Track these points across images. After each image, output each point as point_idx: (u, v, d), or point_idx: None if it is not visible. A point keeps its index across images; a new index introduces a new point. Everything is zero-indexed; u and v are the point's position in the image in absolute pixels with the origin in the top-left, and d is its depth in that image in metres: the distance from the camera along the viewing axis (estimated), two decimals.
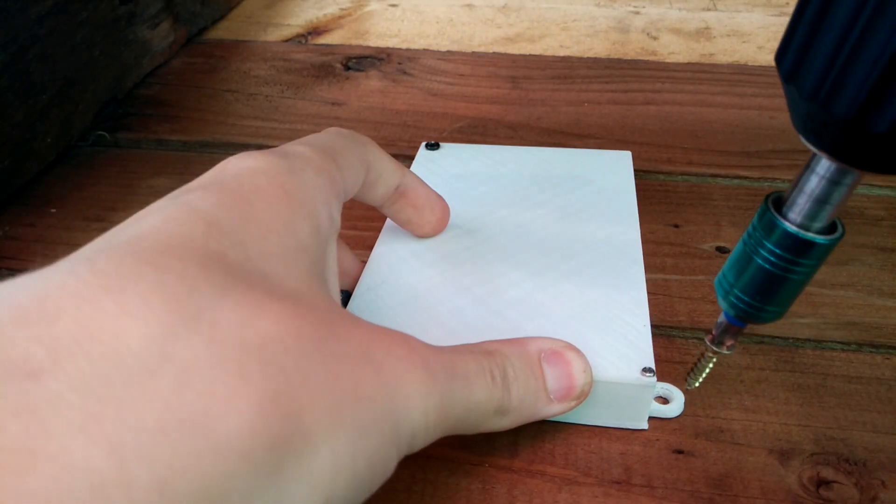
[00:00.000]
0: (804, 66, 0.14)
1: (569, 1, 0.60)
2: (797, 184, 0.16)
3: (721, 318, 0.20)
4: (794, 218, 0.17)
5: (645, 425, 0.23)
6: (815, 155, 0.16)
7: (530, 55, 0.51)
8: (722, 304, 0.19)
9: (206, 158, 0.40)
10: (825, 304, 0.29)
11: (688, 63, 0.49)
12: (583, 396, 0.21)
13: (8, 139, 0.36)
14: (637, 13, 0.57)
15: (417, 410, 0.16)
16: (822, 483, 0.22)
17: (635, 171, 0.33)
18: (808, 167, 0.16)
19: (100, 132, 0.43)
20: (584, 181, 0.31)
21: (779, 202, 0.17)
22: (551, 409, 0.21)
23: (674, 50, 0.51)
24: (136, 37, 0.47)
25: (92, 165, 0.40)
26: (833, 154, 0.15)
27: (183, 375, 0.12)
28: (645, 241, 0.28)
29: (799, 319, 0.28)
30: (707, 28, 0.54)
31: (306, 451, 0.13)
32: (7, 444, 0.10)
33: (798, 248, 0.17)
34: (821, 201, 0.16)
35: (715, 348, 0.21)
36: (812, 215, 0.16)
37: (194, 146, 0.41)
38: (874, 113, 0.13)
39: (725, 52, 0.50)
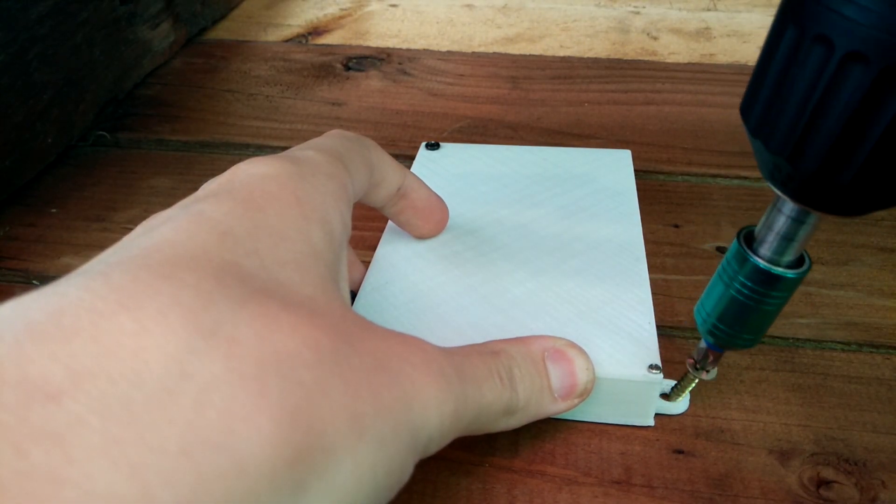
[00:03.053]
0: (770, 123, 0.15)
1: (569, 1, 0.60)
2: (765, 222, 0.17)
3: (701, 344, 0.21)
4: (763, 253, 0.18)
5: (651, 422, 0.23)
6: (780, 196, 0.16)
7: (530, 55, 0.51)
8: (701, 331, 0.20)
9: (207, 159, 0.40)
10: (825, 304, 0.29)
11: (688, 63, 0.49)
12: (585, 394, 0.21)
13: (8, 139, 0.36)
14: (637, 13, 0.57)
15: (434, 417, 0.16)
16: (822, 483, 0.22)
17: (635, 171, 0.33)
18: (774, 207, 0.17)
19: (100, 132, 0.43)
20: (584, 180, 0.32)
21: (750, 237, 0.18)
22: (556, 407, 0.21)
23: (674, 50, 0.51)
24: (137, 37, 0.47)
25: (92, 165, 0.40)
26: (797, 200, 0.16)
27: (203, 394, 0.12)
28: (645, 242, 0.28)
29: (799, 319, 0.28)
30: (707, 28, 0.54)
31: (329, 465, 0.13)
32: (30, 470, 0.10)
33: (768, 282, 0.18)
34: (787, 238, 0.17)
35: (695, 374, 0.22)
36: (780, 251, 0.17)
37: (195, 146, 0.41)
38: (838, 167, 0.14)
39: (725, 52, 0.50)
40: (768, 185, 0.16)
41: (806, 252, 0.18)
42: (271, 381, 0.13)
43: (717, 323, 0.20)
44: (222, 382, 0.12)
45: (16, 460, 0.10)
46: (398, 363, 0.16)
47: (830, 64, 0.13)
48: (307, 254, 0.17)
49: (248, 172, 0.18)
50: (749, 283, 0.18)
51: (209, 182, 0.18)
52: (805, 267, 0.18)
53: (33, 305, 0.12)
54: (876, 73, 0.12)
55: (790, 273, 0.17)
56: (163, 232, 0.15)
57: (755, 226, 0.18)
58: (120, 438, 0.11)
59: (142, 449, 0.11)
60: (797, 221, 0.17)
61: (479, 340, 0.21)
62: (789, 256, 0.17)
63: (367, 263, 0.27)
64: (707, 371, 0.22)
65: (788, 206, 0.17)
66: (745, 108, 0.16)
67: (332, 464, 0.13)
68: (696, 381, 0.23)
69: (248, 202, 0.17)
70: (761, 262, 0.18)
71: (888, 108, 0.13)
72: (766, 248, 0.18)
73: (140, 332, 0.12)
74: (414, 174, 0.26)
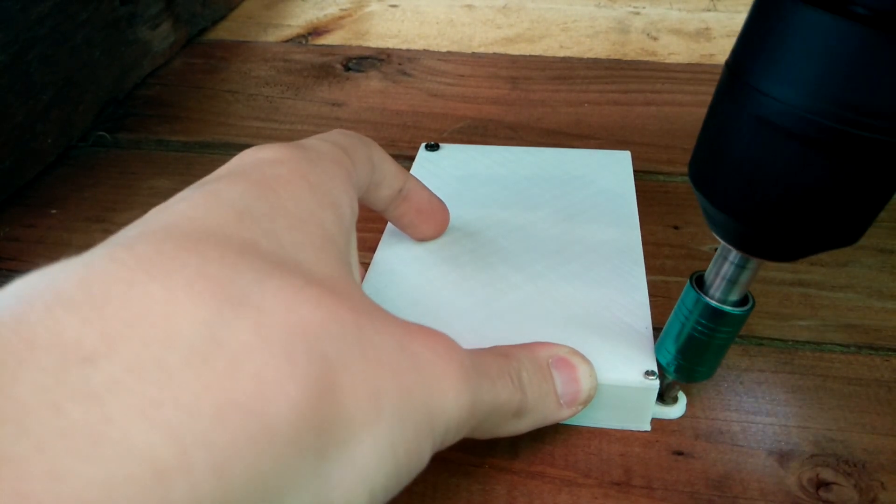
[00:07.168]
0: (703, 174, 0.17)
1: (569, 1, 0.60)
2: (713, 267, 0.20)
3: (668, 379, 0.23)
4: (713, 294, 0.20)
5: (648, 427, 0.23)
6: (723, 245, 0.19)
7: (530, 56, 0.51)
8: (667, 369, 0.22)
9: (207, 159, 0.40)
10: (824, 305, 0.29)
11: (688, 64, 0.49)
12: (588, 400, 0.21)
13: (8, 140, 0.36)
14: (637, 14, 0.57)
15: (452, 406, 0.16)
16: (821, 485, 0.22)
17: (635, 171, 0.33)
18: (719, 254, 0.19)
19: (100, 133, 0.43)
20: (583, 182, 0.32)
21: (701, 280, 0.21)
22: (561, 414, 0.21)
23: (674, 50, 0.51)
24: (137, 37, 0.47)
25: (92, 166, 0.40)
26: (732, 244, 0.18)
27: (235, 360, 0.12)
28: (645, 243, 0.28)
29: (798, 321, 0.28)
30: (707, 29, 0.54)
31: (349, 437, 0.13)
32: (69, 428, 0.10)
33: (718, 319, 0.20)
34: (732, 281, 0.19)
35: (662, 403, 0.24)
36: (727, 291, 0.20)
37: (195, 147, 0.41)
38: (752, 214, 0.16)
39: (725, 52, 0.50)
40: (717, 237, 0.19)
41: (750, 293, 0.20)
42: (298, 350, 0.13)
43: (679, 359, 0.22)
44: (253, 349, 0.12)
45: (55, 419, 0.10)
46: (419, 348, 0.16)
47: (772, 142, 0.15)
48: (321, 236, 0.17)
49: (256, 157, 0.18)
50: (702, 321, 0.20)
51: (217, 169, 0.18)
52: (749, 305, 0.20)
53: (60, 276, 0.12)
54: (808, 151, 0.15)
55: (737, 310, 0.20)
56: (181, 208, 0.15)
57: (704, 270, 0.21)
58: (156, 400, 0.11)
59: (178, 411, 0.11)
60: (739, 266, 0.19)
61: (478, 345, 0.21)
62: (735, 296, 0.20)
63: (366, 265, 0.27)
64: (674, 400, 0.24)
65: (731, 253, 0.19)
66: (696, 175, 0.18)
67: (352, 436, 0.13)
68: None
69: (262, 184, 0.17)
70: (712, 302, 0.20)
71: (812, 173, 0.15)
72: (714, 289, 0.20)
73: (169, 301, 0.12)
74: (415, 177, 0.26)
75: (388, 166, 0.24)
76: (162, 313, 0.12)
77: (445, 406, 0.16)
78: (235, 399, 0.12)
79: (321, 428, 0.13)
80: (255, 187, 0.17)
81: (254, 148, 0.19)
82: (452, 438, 0.17)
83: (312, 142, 0.20)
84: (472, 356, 0.18)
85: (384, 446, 0.14)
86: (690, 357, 0.21)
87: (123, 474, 0.10)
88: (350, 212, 0.19)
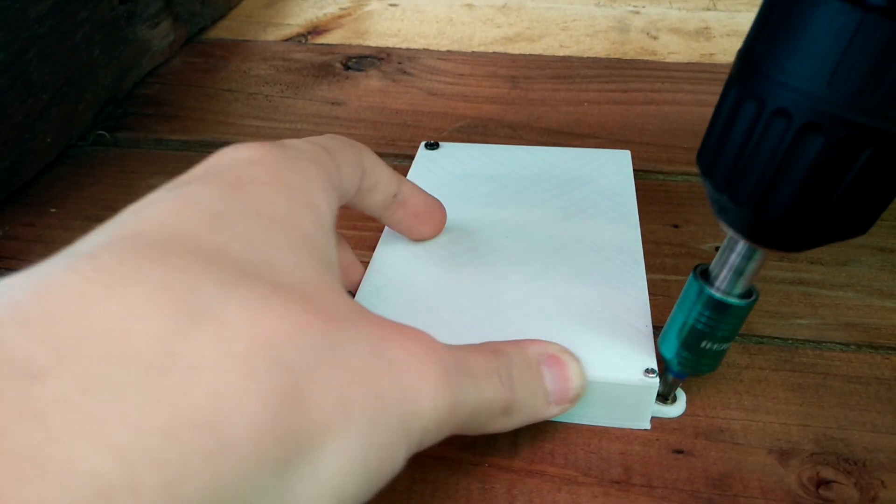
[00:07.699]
0: (716, 164, 0.17)
1: (569, 0, 0.60)
2: (719, 259, 0.20)
3: (669, 377, 0.23)
4: (718, 285, 0.20)
5: (647, 425, 0.23)
6: (730, 236, 0.19)
7: (530, 55, 0.51)
8: (672, 363, 0.22)
9: (206, 158, 0.40)
10: (824, 304, 0.29)
11: (688, 63, 0.49)
12: (577, 399, 0.21)
13: (8, 139, 0.36)
14: (637, 13, 0.57)
15: (429, 407, 0.16)
16: (821, 483, 0.22)
17: (635, 171, 0.33)
18: (726, 245, 0.19)
19: (100, 132, 0.43)
20: (583, 181, 0.32)
21: (706, 273, 0.21)
22: (549, 411, 0.21)
23: (674, 50, 0.51)
24: (136, 36, 0.47)
25: (92, 165, 0.40)
26: (742, 235, 0.18)
27: (190, 375, 0.12)
28: (645, 242, 0.28)
29: (798, 320, 0.28)
30: (707, 28, 0.54)
31: (314, 448, 0.13)
32: (11, 449, 0.10)
33: (722, 310, 0.20)
34: (738, 273, 0.19)
35: (662, 404, 0.24)
36: (732, 283, 0.20)
37: (194, 146, 0.41)
38: (767, 205, 0.16)
39: (725, 51, 0.50)
40: (725, 228, 0.19)
41: (754, 285, 0.20)
42: (259, 364, 0.13)
43: (682, 351, 0.22)
44: (209, 363, 0.12)
45: None
46: (394, 351, 0.16)
47: (789, 133, 0.15)
48: (298, 237, 0.17)
49: (233, 157, 0.18)
50: (706, 313, 0.20)
51: (193, 168, 0.18)
52: (753, 298, 0.20)
53: (17, 287, 0.12)
54: (825, 142, 0.15)
55: (742, 302, 0.20)
56: (151, 214, 0.15)
57: (709, 264, 0.21)
58: (104, 418, 0.10)
59: (126, 428, 0.11)
60: (745, 258, 0.19)
61: (477, 342, 0.21)
62: (740, 289, 0.20)
63: (365, 264, 0.27)
64: (672, 401, 0.24)
65: (738, 244, 0.19)
66: (700, 153, 0.18)
67: (318, 447, 0.13)
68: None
69: (237, 186, 0.17)
70: (716, 294, 0.20)
71: (827, 164, 0.15)
72: (720, 282, 0.20)
73: (126, 316, 0.12)
74: (409, 181, 0.25)
75: (381, 171, 0.23)
76: (118, 329, 0.12)
77: (420, 409, 0.16)
78: (188, 415, 0.11)
79: (284, 440, 0.13)
80: (230, 189, 0.16)
81: (232, 147, 0.18)
82: (432, 439, 0.17)
83: (293, 141, 0.20)
84: (455, 355, 0.18)
85: (353, 454, 0.14)
86: (695, 350, 0.21)
87: (66, 496, 0.10)
88: (329, 211, 0.19)
